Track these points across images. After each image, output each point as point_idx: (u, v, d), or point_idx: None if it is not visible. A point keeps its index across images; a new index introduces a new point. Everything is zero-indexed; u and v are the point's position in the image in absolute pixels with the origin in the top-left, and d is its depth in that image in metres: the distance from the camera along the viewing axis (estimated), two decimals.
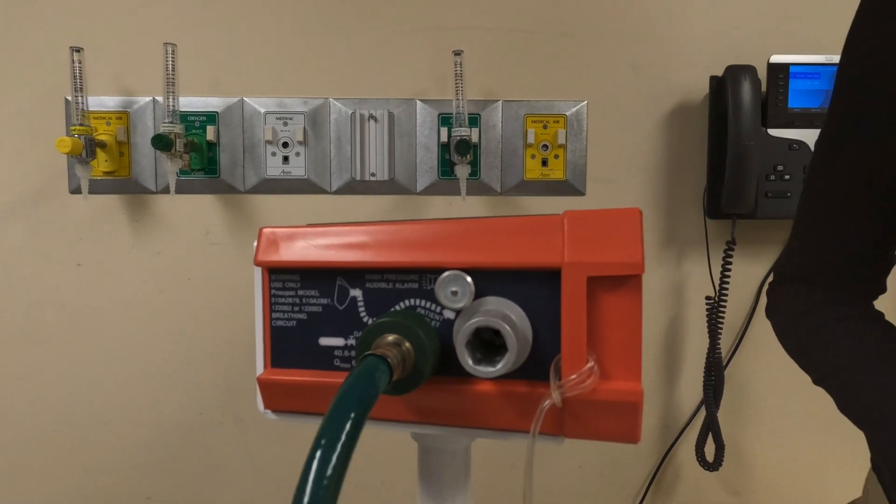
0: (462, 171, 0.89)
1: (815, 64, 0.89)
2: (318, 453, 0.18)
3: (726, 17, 0.94)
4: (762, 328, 0.98)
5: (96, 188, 0.92)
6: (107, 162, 0.91)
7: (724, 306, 0.91)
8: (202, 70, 0.93)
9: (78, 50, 0.85)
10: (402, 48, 0.94)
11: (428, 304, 0.26)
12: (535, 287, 0.25)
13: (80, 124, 0.85)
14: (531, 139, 0.93)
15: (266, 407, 0.29)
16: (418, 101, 0.94)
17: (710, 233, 0.96)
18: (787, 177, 0.90)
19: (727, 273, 0.89)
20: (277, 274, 0.28)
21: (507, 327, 0.23)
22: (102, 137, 0.90)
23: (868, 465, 0.55)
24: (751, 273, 0.97)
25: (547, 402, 0.24)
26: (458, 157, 0.88)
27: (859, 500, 0.62)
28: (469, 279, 0.25)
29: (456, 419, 0.27)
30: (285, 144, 0.93)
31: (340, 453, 0.19)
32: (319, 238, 0.28)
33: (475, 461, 0.99)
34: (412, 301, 0.27)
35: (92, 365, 0.95)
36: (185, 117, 0.92)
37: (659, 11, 0.94)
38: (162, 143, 0.83)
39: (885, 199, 0.48)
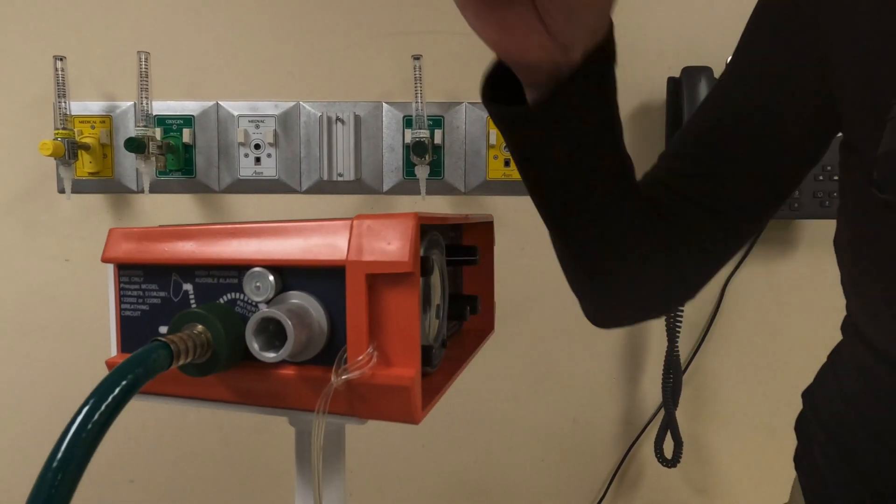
0: (421, 171, 0.92)
1: None
2: (79, 418, 0.22)
3: (687, 20, 0.95)
4: (725, 327, 0.98)
5: (82, 188, 0.98)
6: (91, 163, 0.97)
7: (682, 307, 0.92)
8: (179, 76, 0.98)
9: (61, 58, 0.91)
10: (370, 53, 0.97)
11: (244, 297, 0.30)
12: (330, 283, 0.28)
13: (63, 128, 0.91)
14: (493, 140, 0.96)
15: None
16: (384, 104, 0.97)
17: None
18: None
19: None
20: (124, 269, 0.32)
21: (287, 318, 0.26)
22: (87, 140, 0.96)
23: (793, 472, 0.55)
24: None
25: (330, 384, 0.27)
26: (416, 158, 0.91)
27: None
28: (271, 276, 0.29)
29: (268, 400, 0.30)
30: (257, 146, 0.98)
31: (98, 419, 0.22)
32: (159, 238, 0.31)
33: (384, 444, 1.02)
34: (233, 294, 0.30)
35: (79, 354, 1.01)
36: (162, 120, 0.97)
37: (619, 14, 0.95)
38: (134, 145, 0.88)
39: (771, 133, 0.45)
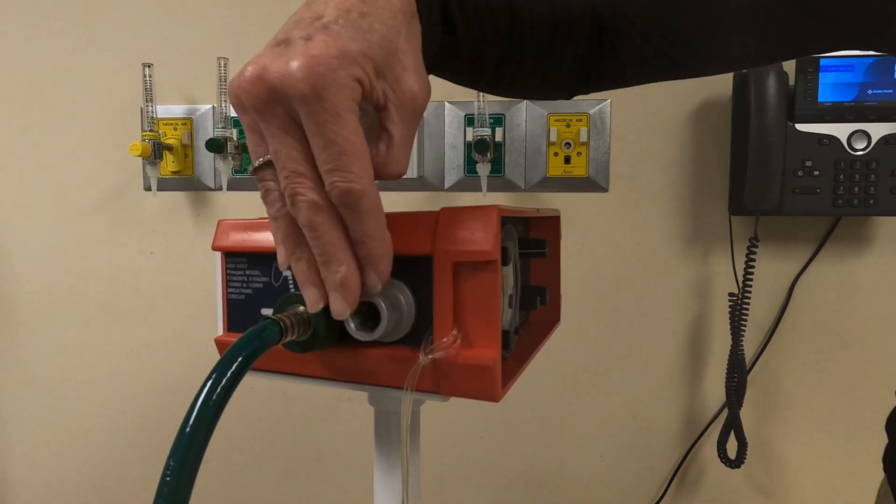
0: (483, 168, 0.94)
1: (848, 56, 0.86)
2: (208, 383, 0.25)
3: None
4: (792, 326, 0.96)
5: (165, 186, 1.05)
6: (174, 163, 1.04)
7: (748, 304, 0.90)
8: None
9: (149, 66, 0.98)
10: None
11: None
12: (418, 270, 0.31)
13: (150, 130, 0.98)
14: (553, 137, 0.97)
15: None
16: (447, 103, 0.99)
17: (735, 229, 0.95)
18: (816, 172, 0.88)
19: (750, 270, 0.89)
20: (231, 257, 0.35)
21: (381, 302, 0.29)
22: (170, 141, 1.03)
23: (863, 476, 0.54)
24: (780, 270, 0.95)
25: (418, 363, 0.29)
26: (478, 156, 0.93)
27: None
28: None
29: (359, 376, 0.33)
30: None
31: (225, 383, 0.25)
32: (262, 229, 0.35)
33: (445, 435, 1.04)
34: None
35: (161, 340, 1.09)
36: (238, 122, 1.03)
37: None
38: (215, 146, 0.94)
39: None
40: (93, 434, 1.12)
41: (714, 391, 0.99)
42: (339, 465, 1.08)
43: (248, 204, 1.05)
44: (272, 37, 0.29)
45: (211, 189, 1.05)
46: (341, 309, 0.29)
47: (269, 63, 0.27)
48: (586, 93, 0.50)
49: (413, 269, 0.31)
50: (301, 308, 0.30)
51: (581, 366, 1.01)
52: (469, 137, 0.98)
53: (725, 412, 0.95)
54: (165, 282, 1.08)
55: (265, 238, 0.34)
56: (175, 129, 1.04)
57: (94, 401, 1.11)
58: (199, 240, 1.07)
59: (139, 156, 0.95)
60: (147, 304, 1.08)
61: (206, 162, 1.04)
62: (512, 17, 0.41)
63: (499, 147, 0.98)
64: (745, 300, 0.90)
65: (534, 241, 0.43)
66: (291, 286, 0.34)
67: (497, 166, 0.99)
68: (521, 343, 0.41)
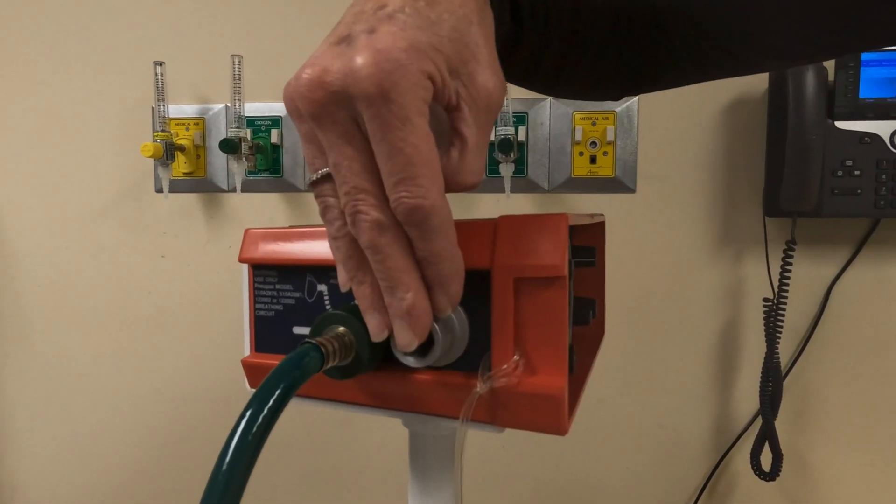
0: (506, 169, 0.91)
1: (891, 50, 0.82)
2: (243, 421, 0.22)
3: None
4: (829, 332, 0.92)
5: (177, 187, 1.02)
6: (186, 164, 1.01)
7: (784, 309, 0.86)
8: (268, 78, 1.00)
9: (160, 64, 0.95)
10: None
11: None
12: (473, 287, 0.27)
13: (162, 130, 0.95)
14: (579, 136, 0.93)
15: (252, 386, 0.33)
16: None
17: (770, 232, 0.91)
18: (856, 172, 0.84)
19: (787, 274, 0.85)
20: (259, 270, 0.32)
21: (434, 324, 0.26)
22: (182, 142, 1.00)
23: None
24: (816, 274, 0.91)
25: (475, 392, 0.26)
26: (501, 156, 0.90)
27: None
28: None
29: (405, 404, 0.30)
30: None
31: (261, 422, 0.22)
32: (293, 239, 0.31)
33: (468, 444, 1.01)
34: None
35: (172, 344, 1.06)
36: (252, 122, 1.00)
37: None
38: (229, 146, 0.91)
39: None
40: (103, 440, 1.09)
41: (746, 400, 0.95)
42: (356, 471, 1.05)
43: (263, 206, 1.02)
44: (330, 31, 0.25)
45: (224, 191, 1.02)
46: (408, 340, 0.25)
47: (329, 64, 0.23)
48: (638, 93, 0.46)
49: (467, 285, 0.28)
50: (341, 329, 0.27)
51: (606, 372, 0.97)
52: (491, 136, 0.94)
53: (758, 422, 0.92)
54: (177, 285, 1.05)
55: (297, 249, 0.31)
56: (187, 129, 1.01)
57: (104, 406, 1.08)
58: (211, 243, 1.04)
59: (150, 157, 0.92)
60: (159, 308, 1.06)
61: (219, 163, 1.01)
62: (575, 10, 0.38)
63: (521, 146, 0.94)
64: (781, 305, 0.86)
65: (582, 249, 0.39)
66: (327, 303, 0.31)
67: (520, 166, 0.95)
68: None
